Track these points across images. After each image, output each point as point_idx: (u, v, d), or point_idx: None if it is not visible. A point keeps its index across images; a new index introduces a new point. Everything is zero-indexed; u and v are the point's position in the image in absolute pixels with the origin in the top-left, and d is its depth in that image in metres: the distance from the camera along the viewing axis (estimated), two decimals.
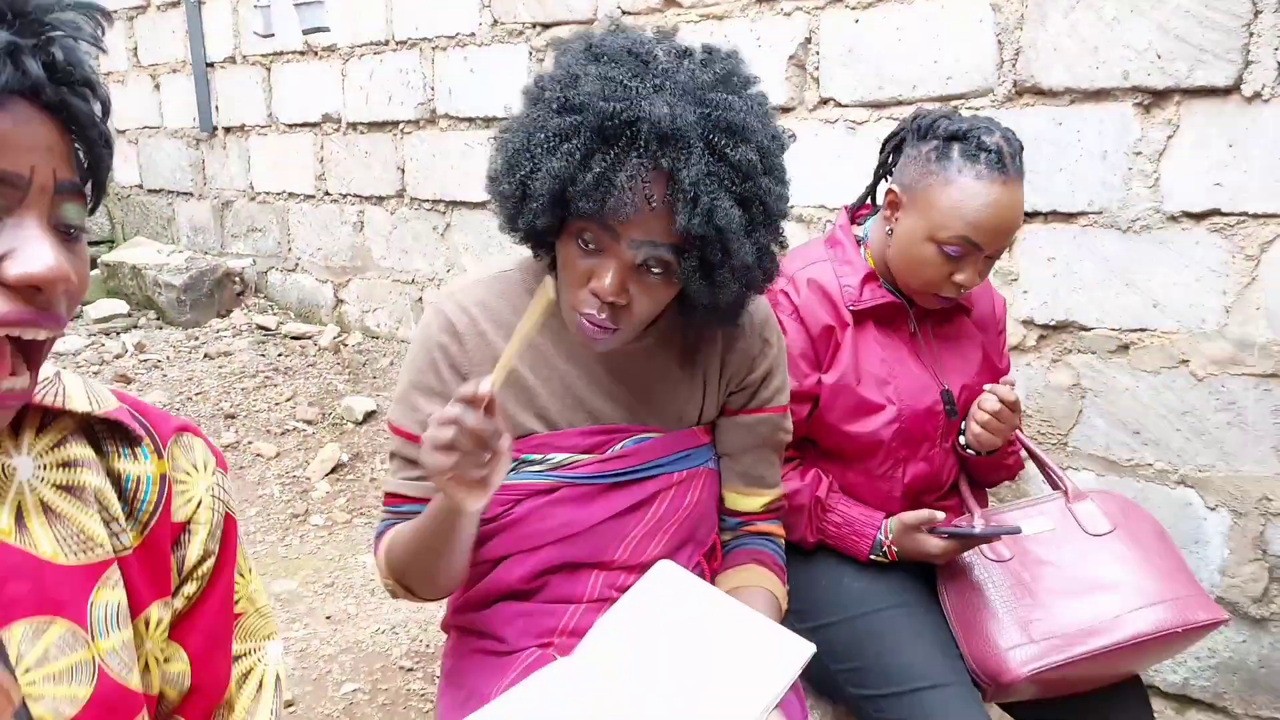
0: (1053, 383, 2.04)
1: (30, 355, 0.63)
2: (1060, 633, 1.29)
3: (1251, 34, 1.73)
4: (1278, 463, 1.81)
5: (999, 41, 2.00)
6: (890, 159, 1.44)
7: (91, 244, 4.40)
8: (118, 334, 3.65)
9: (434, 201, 3.22)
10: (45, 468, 0.71)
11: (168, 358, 3.38)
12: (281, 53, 3.56)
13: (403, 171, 3.28)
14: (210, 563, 0.79)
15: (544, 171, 0.96)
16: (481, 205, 3.05)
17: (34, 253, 0.60)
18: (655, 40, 1.02)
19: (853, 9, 2.17)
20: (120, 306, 3.92)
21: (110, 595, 0.71)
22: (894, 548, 1.36)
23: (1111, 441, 1.98)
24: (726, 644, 1.08)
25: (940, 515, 1.33)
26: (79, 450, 0.73)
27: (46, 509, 0.70)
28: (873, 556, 1.38)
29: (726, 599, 1.12)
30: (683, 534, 1.17)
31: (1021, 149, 1.33)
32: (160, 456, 0.76)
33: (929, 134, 1.35)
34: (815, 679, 1.40)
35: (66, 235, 0.64)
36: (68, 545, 0.69)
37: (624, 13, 2.55)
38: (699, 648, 1.07)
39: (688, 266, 0.98)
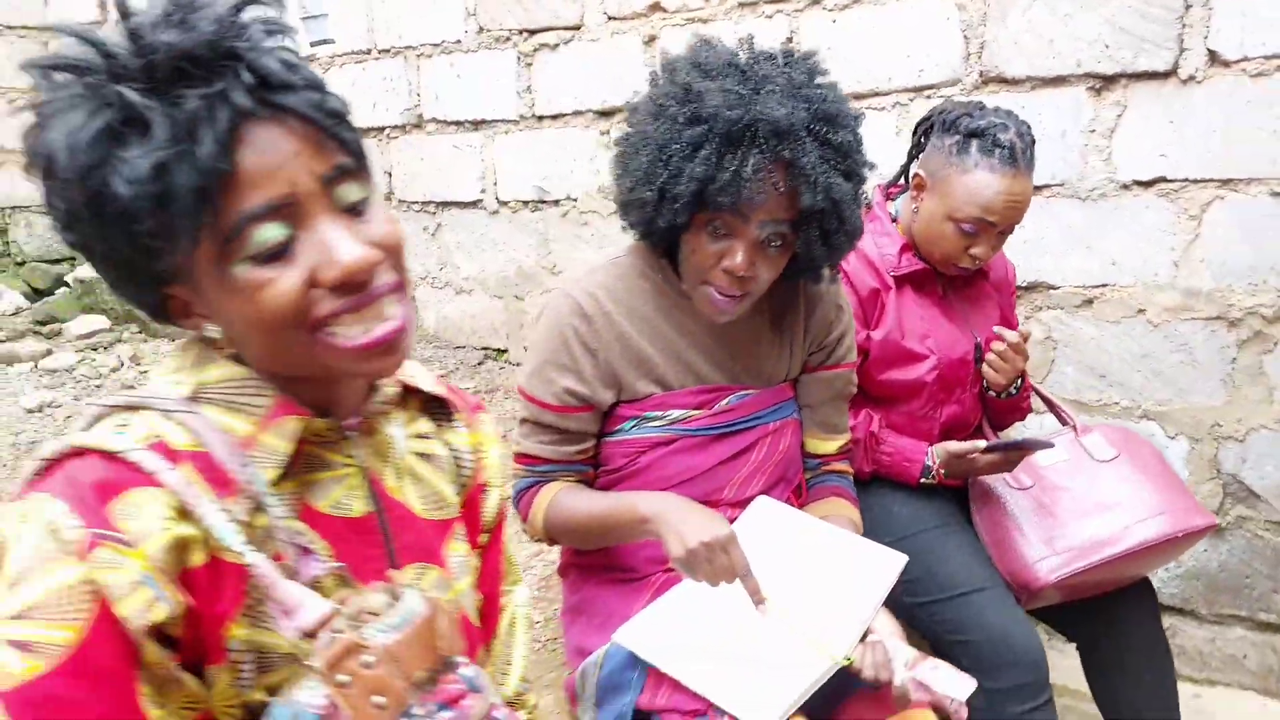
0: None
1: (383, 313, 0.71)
2: (1079, 545, 1.53)
3: (1184, 25, 2.01)
4: (1225, 394, 2.11)
5: (965, 37, 2.24)
6: (921, 143, 1.66)
7: (56, 261, 4.38)
8: (106, 348, 3.67)
9: (424, 203, 3.33)
10: (409, 437, 0.84)
11: None
12: None
13: (390, 175, 3.38)
14: (497, 516, 0.93)
15: (685, 175, 1.14)
16: (472, 204, 3.18)
17: (335, 250, 0.66)
18: (745, 49, 1.22)
19: (830, 11, 2.39)
20: (101, 322, 3.92)
21: (458, 547, 0.85)
22: (942, 470, 1.58)
23: (1081, 385, 2.25)
24: (831, 559, 1.28)
25: (981, 444, 1.56)
26: (425, 424, 0.86)
27: (413, 473, 0.82)
28: (923, 480, 1.59)
29: (822, 523, 1.32)
30: (777, 474, 1.38)
31: (1034, 142, 1.56)
32: (470, 429, 0.90)
33: (953, 128, 1.58)
34: None
35: (356, 213, 0.69)
36: (428, 504, 0.83)
37: (610, 18, 2.72)
38: (808, 564, 1.27)
39: (809, 236, 1.18)
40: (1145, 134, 2.08)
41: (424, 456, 0.84)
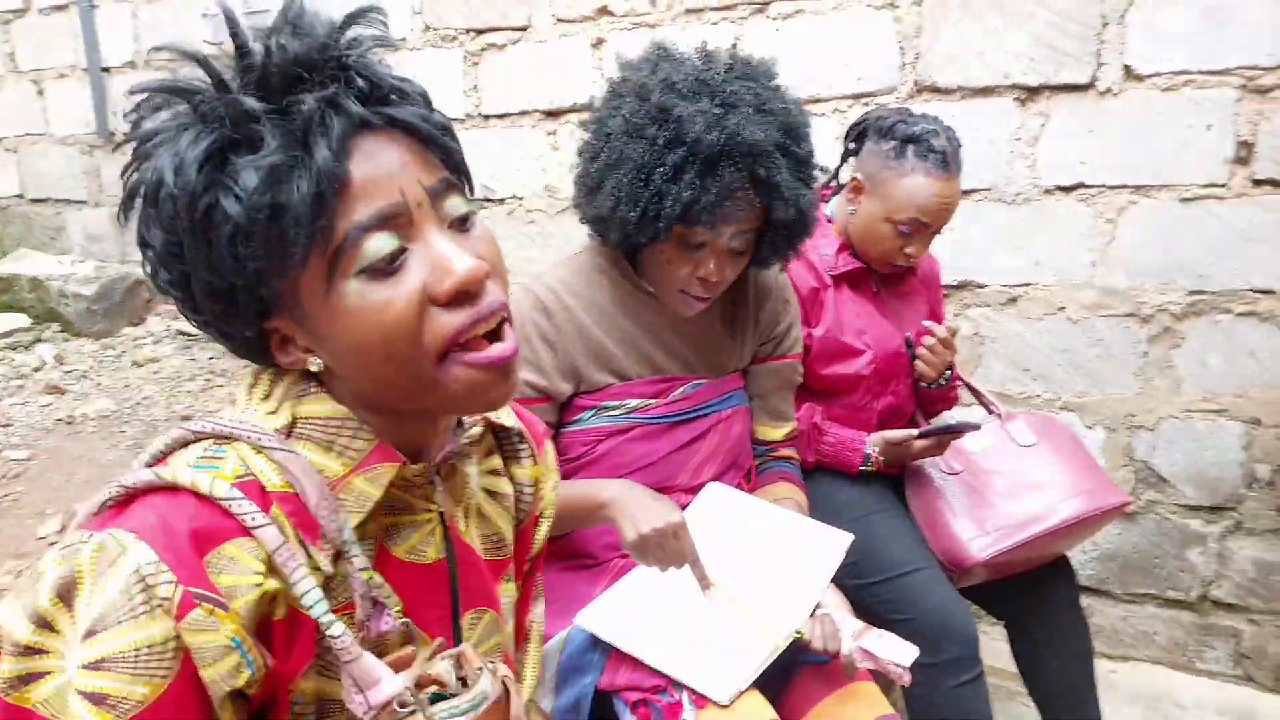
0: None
1: (502, 333, 0.68)
2: (1007, 524, 1.64)
3: (1102, 41, 2.15)
4: (1137, 386, 2.26)
5: (900, 48, 2.35)
6: (853, 148, 1.75)
7: None
8: (26, 348, 3.57)
9: None
10: (481, 474, 0.82)
11: (91, 368, 3.35)
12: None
13: None
14: (542, 545, 0.92)
15: (670, 199, 1.20)
16: None
17: (449, 261, 0.63)
18: (707, 62, 1.28)
19: (773, 19, 2.47)
20: (20, 320, 3.81)
21: (507, 588, 0.84)
22: (881, 458, 1.67)
23: (1007, 379, 2.39)
24: (781, 540, 1.35)
25: (915, 432, 1.65)
26: (497, 460, 0.84)
27: (480, 513, 0.81)
28: (862, 468, 1.69)
29: (771, 506, 1.39)
30: (729, 460, 1.44)
31: (960, 147, 1.66)
32: (536, 462, 0.88)
33: (889, 134, 1.67)
34: None
35: (462, 226, 0.67)
36: (489, 545, 0.82)
37: (558, 20, 2.76)
38: (759, 545, 1.34)
39: (775, 238, 1.26)
40: (1066, 142, 2.22)
41: (491, 494, 0.83)
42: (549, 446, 0.91)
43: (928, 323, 1.73)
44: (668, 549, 1.19)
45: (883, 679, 1.31)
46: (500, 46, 2.87)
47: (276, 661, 0.65)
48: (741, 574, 1.32)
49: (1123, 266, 2.22)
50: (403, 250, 0.64)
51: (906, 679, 1.23)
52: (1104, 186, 2.21)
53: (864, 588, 1.61)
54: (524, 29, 2.81)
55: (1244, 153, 2.08)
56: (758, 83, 1.26)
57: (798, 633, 1.26)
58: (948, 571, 1.65)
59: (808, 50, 2.44)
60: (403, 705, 0.63)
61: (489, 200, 3.01)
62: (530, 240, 2.96)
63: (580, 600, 1.33)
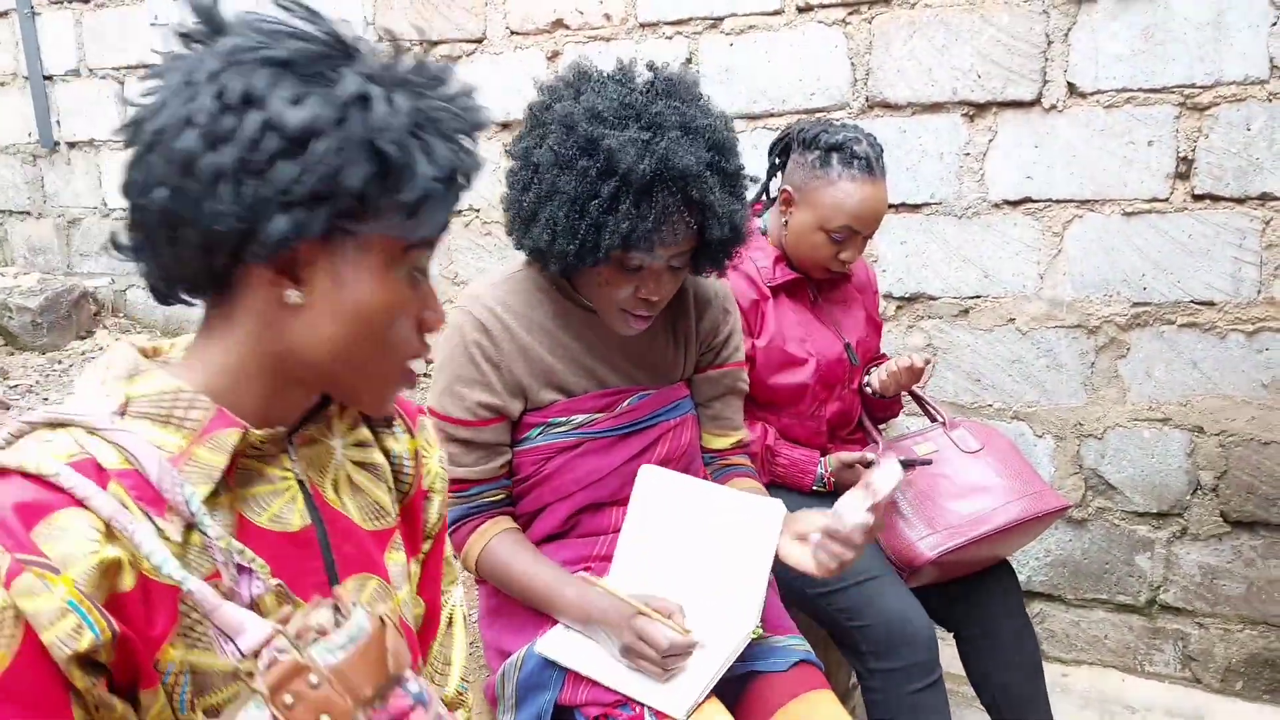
0: (909, 344, 2.46)
1: None
2: (955, 524, 1.67)
3: (1047, 59, 2.21)
4: (1085, 395, 2.31)
5: (852, 64, 2.39)
6: (779, 162, 1.78)
7: None
8: None
9: None
10: (347, 447, 0.83)
11: (38, 382, 3.25)
12: (139, 65, 3.50)
13: None
14: (440, 524, 0.93)
15: (608, 230, 1.20)
16: None
17: (438, 304, 0.76)
18: (629, 82, 1.27)
19: (727, 34, 2.50)
20: None
21: (396, 556, 0.85)
22: (832, 479, 1.69)
23: (959, 389, 2.42)
24: (718, 521, 1.35)
25: (871, 456, 1.67)
26: (364, 432, 0.85)
27: (351, 483, 0.82)
28: (815, 488, 1.70)
29: (703, 482, 1.39)
30: (680, 468, 1.45)
31: (882, 152, 1.71)
32: (412, 435, 0.89)
33: (812, 145, 1.70)
34: (778, 588, 1.70)
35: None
36: (366, 514, 0.82)
37: (512, 32, 2.76)
38: (699, 532, 1.34)
39: (710, 252, 1.27)
40: (1013, 157, 2.27)
41: (363, 466, 0.84)
42: (424, 421, 0.93)
43: (915, 355, 1.76)
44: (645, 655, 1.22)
45: (839, 685, 1.32)
46: (454, 58, 2.86)
47: (133, 631, 0.65)
48: (688, 572, 1.33)
49: (1069, 279, 2.27)
50: (426, 275, 0.76)
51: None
52: (1050, 201, 2.26)
53: (823, 596, 1.62)
54: (479, 41, 2.81)
55: (1184, 168, 2.14)
56: (681, 100, 1.26)
57: (755, 632, 1.27)
58: (899, 571, 1.67)
59: (761, 65, 2.47)
60: (282, 653, 0.63)
61: None
62: (487, 251, 2.95)
63: (538, 617, 1.32)
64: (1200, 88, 2.10)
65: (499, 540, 1.35)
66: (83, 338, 3.73)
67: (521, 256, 1.41)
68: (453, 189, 0.71)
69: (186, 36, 0.69)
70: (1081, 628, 2.44)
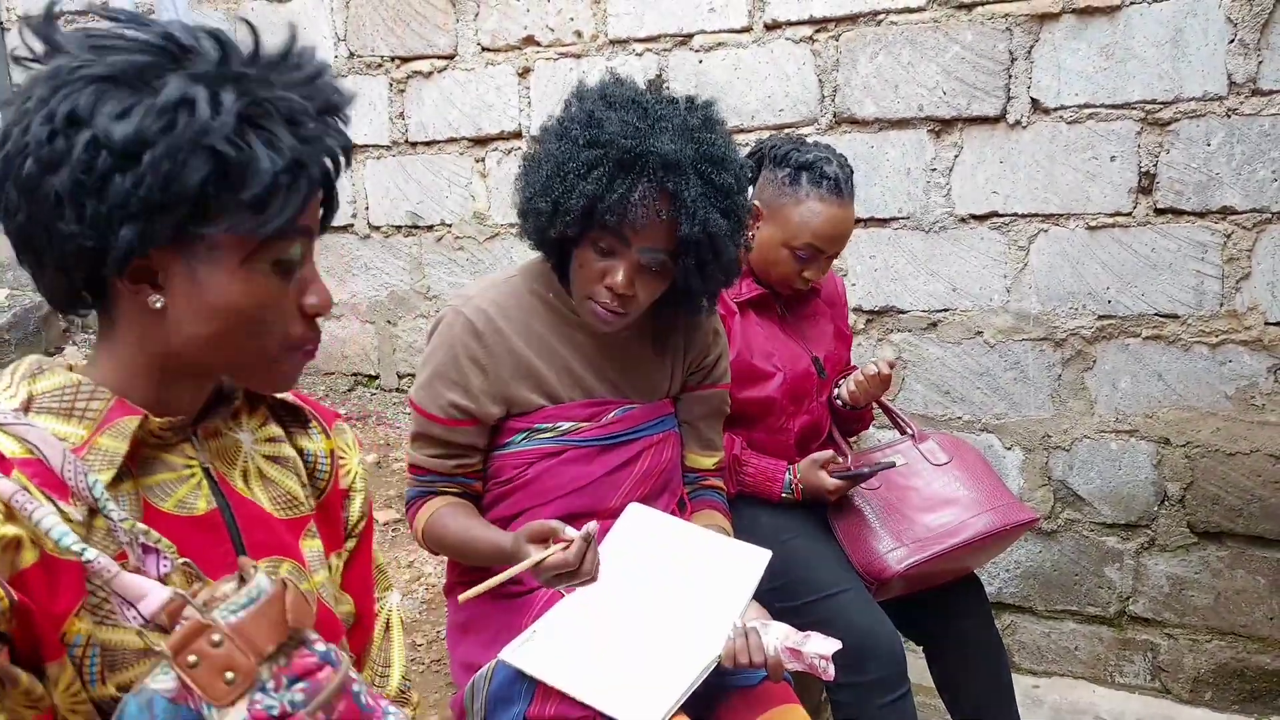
0: (879, 357, 2.46)
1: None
2: (923, 536, 1.67)
3: (1010, 75, 2.24)
4: (1053, 407, 2.33)
5: (820, 81, 2.41)
6: (749, 176, 1.79)
7: None
8: None
9: None
10: (257, 441, 0.86)
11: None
12: None
13: None
14: (363, 523, 0.96)
15: (577, 192, 1.23)
16: (343, 229, 3.14)
17: (322, 288, 0.77)
18: (652, 90, 1.32)
19: (696, 51, 2.52)
20: None
21: (312, 543, 0.87)
22: (800, 485, 1.69)
23: (928, 401, 2.44)
24: (701, 560, 1.35)
25: (840, 459, 1.68)
26: (275, 429, 0.89)
27: (261, 474, 0.85)
28: (784, 495, 1.70)
29: (691, 526, 1.40)
30: (660, 484, 1.45)
31: (852, 173, 1.72)
32: (328, 436, 0.93)
33: (783, 162, 1.71)
34: None
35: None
36: (279, 503, 0.85)
37: (484, 48, 2.77)
38: (680, 566, 1.34)
39: (686, 265, 1.27)
40: (979, 172, 2.29)
41: (273, 460, 0.87)
42: (342, 425, 0.96)
43: (880, 358, 1.77)
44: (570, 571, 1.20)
45: (809, 699, 1.31)
46: (426, 74, 2.86)
47: (35, 601, 0.66)
48: (663, 596, 1.32)
49: (1036, 292, 2.30)
50: (300, 264, 0.75)
51: (831, 672, 1.24)
52: (1016, 215, 2.28)
53: (791, 610, 1.61)
54: (450, 57, 2.81)
55: (1146, 182, 2.18)
56: (691, 113, 1.29)
57: (717, 659, 1.26)
58: (867, 584, 1.67)
59: (730, 81, 2.49)
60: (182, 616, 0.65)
61: (417, 227, 2.99)
62: (459, 267, 2.94)
63: (508, 629, 1.31)
64: (1161, 104, 2.13)
65: (442, 509, 1.39)
66: (52, 354, 3.69)
67: (515, 263, 1.44)
68: (303, 177, 0.70)
69: (34, 60, 0.70)
70: (1052, 639, 2.45)
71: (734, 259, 1.32)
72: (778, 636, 1.27)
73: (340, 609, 0.91)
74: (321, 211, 0.78)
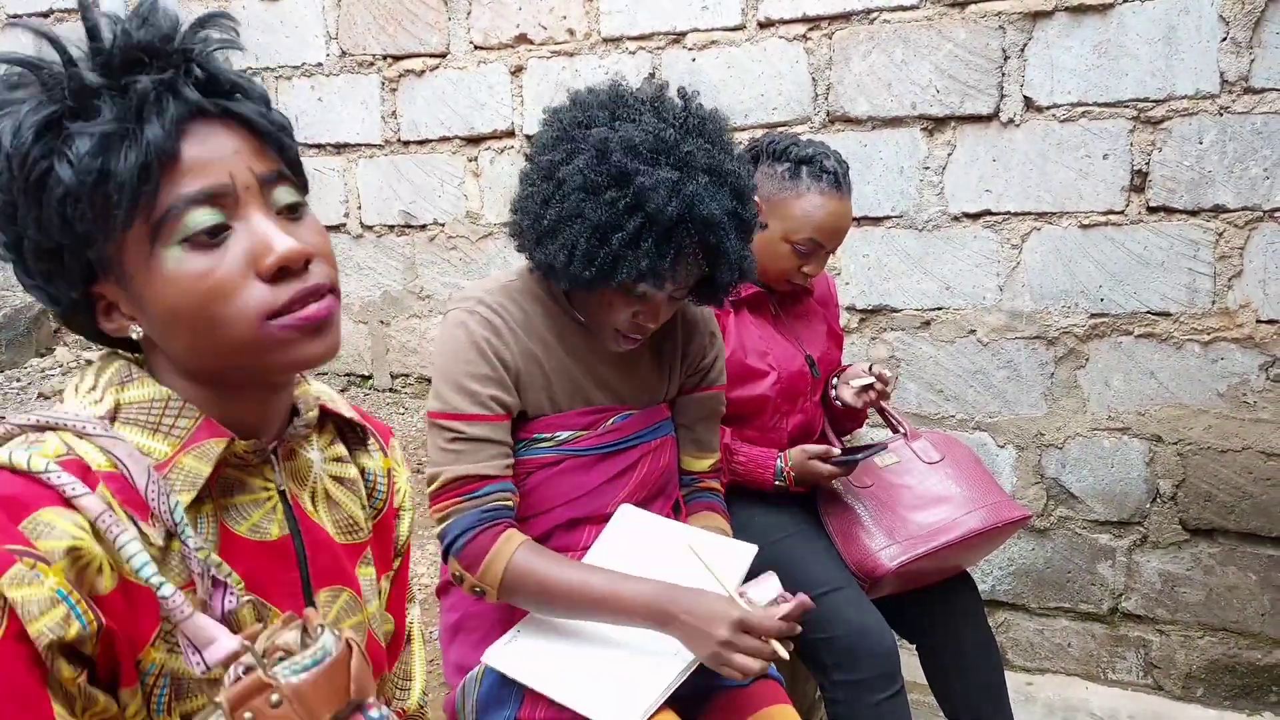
0: (873, 356, 2.47)
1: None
2: (915, 534, 1.67)
3: (1003, 74, 2.24)
4: (1046, 405, 2.33)
5: (813, 79, 2.41)
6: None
7: None
8: None
9: None
10: (326, 461, 0.84)
11: None
12: None
13: None
14: (407, 541, 0.94)
15: (627, 263, 1.22)
16: (335, 228, 3.13)
17: (271, 240, 0.68)
18: (663, 113, 1.27)
19: (689, 49, 2.51)
20: None
21: (366, 571, 0.85)
22: (792, 472, 1.69)
23: (922, 400, 2.44)
24: (685, 554, 1.35)
25: (835, 451, 1.68)
26: (341, 449, 0.87)
27: (328, 496, 0.83)
28: (777, 483, 1.69)
29: (678, 524, 1.40)
30: (657, 489, 1.45)
31: (847, 170, 1.72)
32: (385, 454, 0.90)
33: (782, 157, 1.71)
34: None
35: (291, 215, 0.72)
36: (340, 528, 0.83)
37: (476, 47, 2.76)
38: (668, 564, 1.34)
39: (715, 290, 1.31)
40: (972, 171, 2.30)
41: (338, 480, 0.85)
42: (395, 443, 0.94)
43: (879, 370, 1.77)
44: (746, 648, 1.18)
45: (801, 699, 1.31)
46: (418, 73, 2.85)
47: (117, 626, 0.65)
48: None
49: (1029, 290, 2.30)
50: (226, 227, 0.68)
51: (801, 598, 1.24)
52: (1009, 213, 2.29)
53: None
54: (442, 55, 2.80)
55: (1138, 181, 2.18)
56: (710, 142, 1.27)
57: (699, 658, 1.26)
58: (860, 582, 1.67)
59: (724, 79, 2.48)
60: (248, 670, 0.63)
61: (409, 226, 2.98)
62: (452, 266, 2.94)
63: (500, 630, 1.31)
64: (1153, 102, 2.13)
65: (528, 548, 1.26)
66: (42, 355, 3.67)
67: (509, 263, 1.42)
68: (136, 132, 0.65)
69: None
70: (1045, 636, 2.45)
71: (751, 265, 1.33)
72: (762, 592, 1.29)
73: (387, 628, 0.90)
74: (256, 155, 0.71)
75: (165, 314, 0.69)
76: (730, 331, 1.73)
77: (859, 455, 1.70)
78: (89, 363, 0.75)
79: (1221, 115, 2.09)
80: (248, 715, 0.61)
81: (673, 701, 1.22)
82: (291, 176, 0.73)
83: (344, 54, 2.97)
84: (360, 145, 2.99)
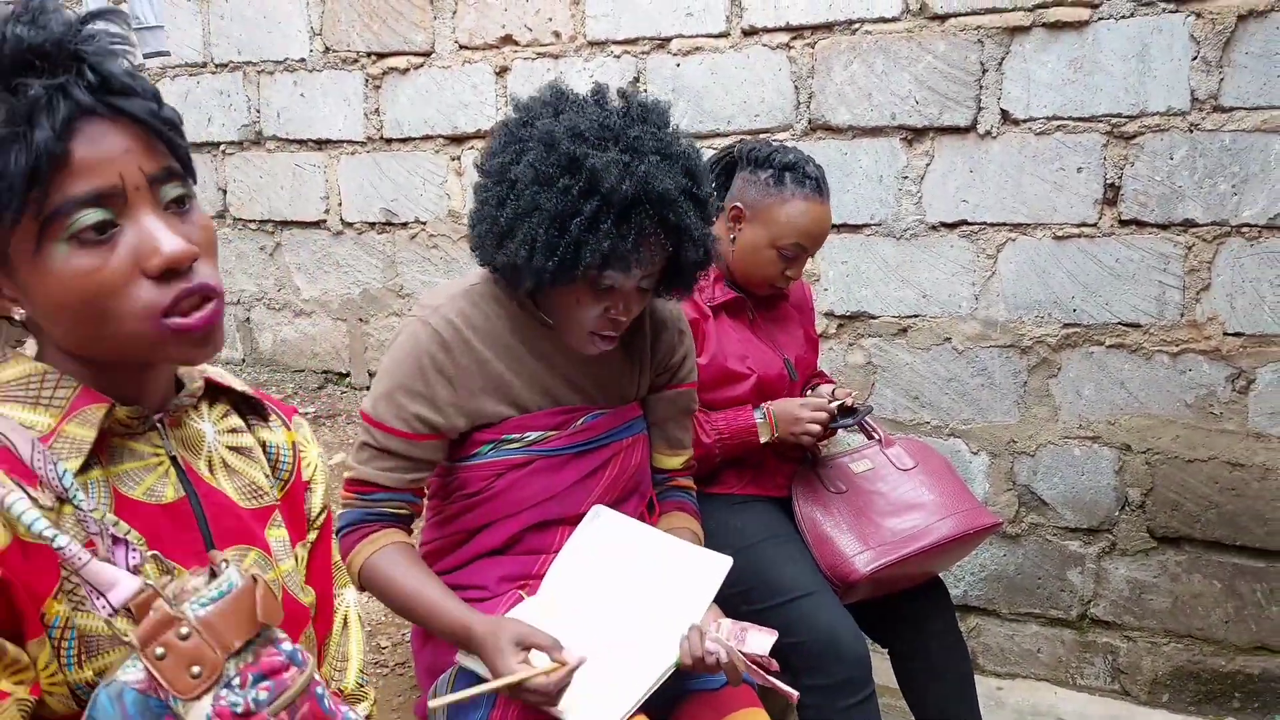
0: (850, 362, 2.50)
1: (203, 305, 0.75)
2: (889, 540, 1.69)
3: (981, 86, 2.27)
4: (1018, 413, 2.37)
5: (795, 87, 2.43)
6: (722, 181, 1.81)
7: None
8: None
9: (261, 222, 3.24)
10: (220, 432, 0.86)
11: None
12: None
13: (224, 192, 3.27)
14: (323, 516, 0.96)
15: (590, 248, 1.22)
16: (315, 225, 3.12)
17: (158, 241, 0.70)
18: (605, 104, 1.29)
19: (674, 55, 2.53)
20: None
21: (277, 533, 0.87)
22: (774, 414, 1.69)
23: (898, 406, 2.47)
24: (662, 565, 1.36)
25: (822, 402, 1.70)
26: (236, 420, 0.89)
27: (225, 464, 0.85)
28: (762, 437, 1.69)
29: (654, 530, 1.41)
30: (629, 488, 1.45)
31: (824, 176, 1.75)
32: (288, 429, 0.93)
33: (765, 163, 1.73)
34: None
35: (179, 208, 0.74)
36: (243, 493, 0.85)
37: (461, 46, 2.76)
38: (641, 570, 1.35)
39: (681, 274, 1.31)
40: (950, 181, 2.33)
41: (236, 450, 0.87)
42: (300, 420, 0.96)
43: (839, 395, 1.78)
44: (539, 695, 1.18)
45: (774, 704, 1.33)
46: (402, 71, 2.85)
47: (14, 579, 0.66)
48: (623, 601, 1.33)
49: (1003, 300, 2.33)
50: (114, 224, 0.70)
51: (774, 666, 1.26)
52: (985, 224, 2.32)
53: (757, 612, 1.63)
54: (427, 54, 2.81)
55: (1111, 194, 2.22)
56: (656, 127, 1.28)
57: (676, 664, 1.27)
58: (833, 587, 1.69)
59: (707, 86, 2.50)
60: (151, 607, 0.65)
61: (390, 224, 2.98)
62: (433, 265, 2.94)
63: None
64: (1126, 117, 2.17)
65: (390, 551, 1.31)
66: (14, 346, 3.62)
67: (478, 270, 1.41)
68: (26, 135, 0.66)
69: None
70: (1015, 641, 2.49)
71: (714, 244, 1.34)
72: (724, 635, 1.28)
73: (304, 599, 0.91)
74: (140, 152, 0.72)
75: (49, 305, 0.70)
76: (710, 336, 1.75)
77: (848, 420, 1.72)
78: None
79: (1192, 132, 2.13)
80: (159, 650, 0.63)
81: (644, 705, 1.23)
82: (181, 173, 0.75)
83: (328, 50, 2.96)
84: (342, 142, 2.99)
